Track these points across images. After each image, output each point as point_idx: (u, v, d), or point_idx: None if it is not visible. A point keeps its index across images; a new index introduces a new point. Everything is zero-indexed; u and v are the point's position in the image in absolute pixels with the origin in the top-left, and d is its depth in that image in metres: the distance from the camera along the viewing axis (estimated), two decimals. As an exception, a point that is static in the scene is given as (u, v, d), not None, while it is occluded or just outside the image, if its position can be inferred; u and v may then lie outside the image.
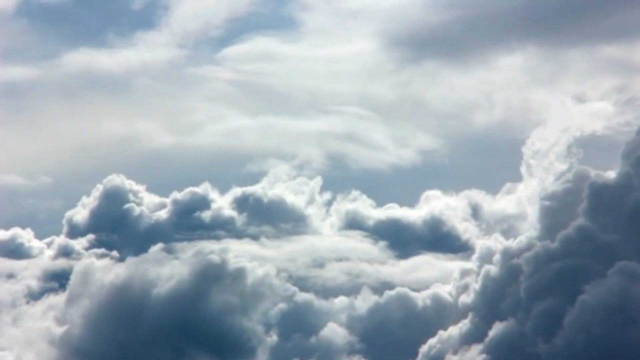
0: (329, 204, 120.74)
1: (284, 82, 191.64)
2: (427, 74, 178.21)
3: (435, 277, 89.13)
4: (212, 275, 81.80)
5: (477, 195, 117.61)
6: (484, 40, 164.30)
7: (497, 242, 79.77)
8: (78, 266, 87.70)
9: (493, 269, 74.44)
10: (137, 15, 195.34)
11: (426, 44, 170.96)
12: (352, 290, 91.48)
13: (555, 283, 68.14)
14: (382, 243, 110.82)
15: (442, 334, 75.83)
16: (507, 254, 73.79)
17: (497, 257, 75.02)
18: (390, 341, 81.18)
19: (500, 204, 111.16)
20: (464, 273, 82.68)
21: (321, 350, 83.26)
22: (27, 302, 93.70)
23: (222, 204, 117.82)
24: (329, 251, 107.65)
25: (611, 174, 72.55)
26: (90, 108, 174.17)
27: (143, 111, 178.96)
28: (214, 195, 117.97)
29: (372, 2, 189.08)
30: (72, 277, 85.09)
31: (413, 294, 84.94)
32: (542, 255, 69.94)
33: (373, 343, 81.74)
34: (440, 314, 79.90)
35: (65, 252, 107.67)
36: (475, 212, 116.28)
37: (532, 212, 78.44)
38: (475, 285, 75.49)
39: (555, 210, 73.78)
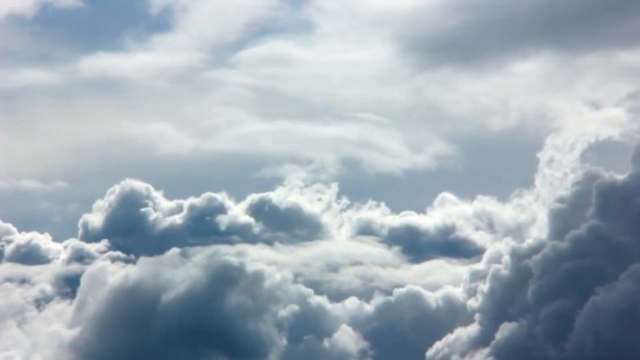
0: (344, 210, 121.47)
1: (300, 87, 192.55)
2: (442, 80, 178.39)
3: (448, 281, 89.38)
4: (229, 278, 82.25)
5: (491, 201, 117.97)
6: (500, 46, 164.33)
7: (507, 246, 78.56)
8: (90, 269, 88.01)
9: (502, 270, 74.29)
10: (155, 19, 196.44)
11: (442, 50, 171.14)
12: (365, 294, 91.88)
13: (565, 284, 67.55)
14: (396, 248, 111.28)
15: (449, 336, 75.64)
16: (516, 255, 73.60)
17: (506, 259, 74.93)
18: (401, 342, 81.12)
19: (514, 210, 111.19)
20: (474, 275, 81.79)
21: (334, 354, 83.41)
22: (41, 307, 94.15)
23: (238, 210, 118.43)
24: (343, 256, 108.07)
25: (622, 177, 72.10)
26: (107, 112, 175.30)
27: (160, 115, 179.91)
28: (230, 202, 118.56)
29: (388, 7, 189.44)
30: (84, 280, 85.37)
31: (424, 292, 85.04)
32: (552, 256, 69.45)
33: (383, 344, 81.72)
34: (452, 315, 79.73)
35: (80, 256, 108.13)
36: (489, 218, 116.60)
37: (544, 217, 78.78)
38: (484, 287, 75.13)
39: (564, 212, 73.62)
